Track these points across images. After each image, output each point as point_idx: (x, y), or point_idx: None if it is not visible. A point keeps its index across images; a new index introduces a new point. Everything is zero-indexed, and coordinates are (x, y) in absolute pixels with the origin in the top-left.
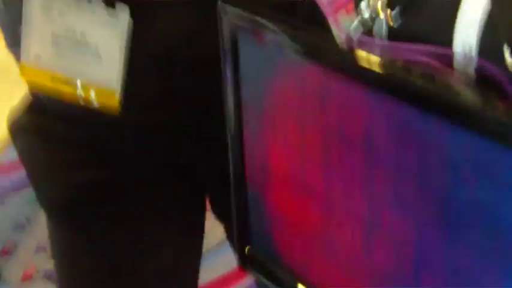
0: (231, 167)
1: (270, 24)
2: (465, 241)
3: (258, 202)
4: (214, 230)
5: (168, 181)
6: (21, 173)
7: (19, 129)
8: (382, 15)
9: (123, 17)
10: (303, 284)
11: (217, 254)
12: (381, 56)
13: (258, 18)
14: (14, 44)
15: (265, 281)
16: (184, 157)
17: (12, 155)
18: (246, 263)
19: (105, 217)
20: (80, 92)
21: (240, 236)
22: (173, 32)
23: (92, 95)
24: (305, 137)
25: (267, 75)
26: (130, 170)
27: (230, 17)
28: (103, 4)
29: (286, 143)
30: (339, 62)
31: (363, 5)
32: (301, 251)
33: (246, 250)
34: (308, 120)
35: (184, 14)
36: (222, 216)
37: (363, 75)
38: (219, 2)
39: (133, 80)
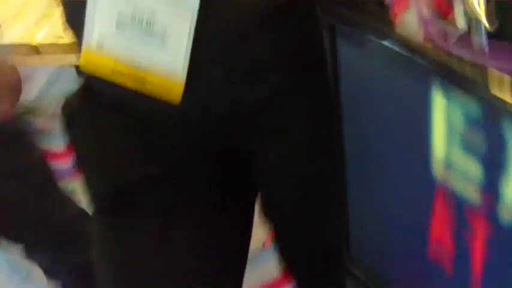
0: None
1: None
2: None
3: (358, 201)
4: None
5: (221, 181)
6: (58, 164)
7: (73, 117)
8: (479, 15)
9: None
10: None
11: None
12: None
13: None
14: (75, 28)
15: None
16: (242, 151)
17: (47, 145)
18: (344, 261)
19: (153, 213)
20: (142, 77)
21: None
22: (246, 13)
23: (155, 80)
24: (404, 134)
25: (366, 69)
26: (184, 166)
27: (328, 12)
28: None
29: (386, 139)
30: (436, 63)
31: (459, 9)
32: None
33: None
34: (404, 116)
35: None
36: (273, 217)
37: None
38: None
39: (197, 66)
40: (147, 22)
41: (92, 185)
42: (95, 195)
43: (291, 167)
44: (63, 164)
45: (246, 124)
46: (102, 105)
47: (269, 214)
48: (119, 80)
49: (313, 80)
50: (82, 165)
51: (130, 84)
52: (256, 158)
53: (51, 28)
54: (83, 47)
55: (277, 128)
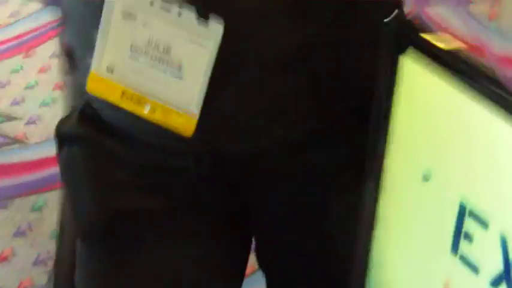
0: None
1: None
2: None
3: None
4: None
5: (219, 222)
6: (28, 177)
7: (68, 138)
8: None
9: (215, 33)
10: None
11: None
12: None
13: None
14: (86, 51)
15: None
16: (243, 197)
17: (22, 155)
18: None
19: (146, 248)
20: (151, 112)
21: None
22: (268, 53)
23: (165, 117)
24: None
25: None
26: (181, 202)
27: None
28: (194, 17)
29: None
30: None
31: None
32: None
33: None
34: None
35: (285, 29)
36: (270, 265)
37: None
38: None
39: (211, 103)
40: (163, 55)
41: (80, 209)
42: (84, 220)
43: (296, 222)
44: (38, 175)
45: (254, 170)
46: (103, 131)
47: (263, 260)
48: (127, 106)
49: (344, 132)
50: (72, 187)
51: (139, 112)
52: (258, 207)
53: None
54: (91, 70)
55: (279, 177)
